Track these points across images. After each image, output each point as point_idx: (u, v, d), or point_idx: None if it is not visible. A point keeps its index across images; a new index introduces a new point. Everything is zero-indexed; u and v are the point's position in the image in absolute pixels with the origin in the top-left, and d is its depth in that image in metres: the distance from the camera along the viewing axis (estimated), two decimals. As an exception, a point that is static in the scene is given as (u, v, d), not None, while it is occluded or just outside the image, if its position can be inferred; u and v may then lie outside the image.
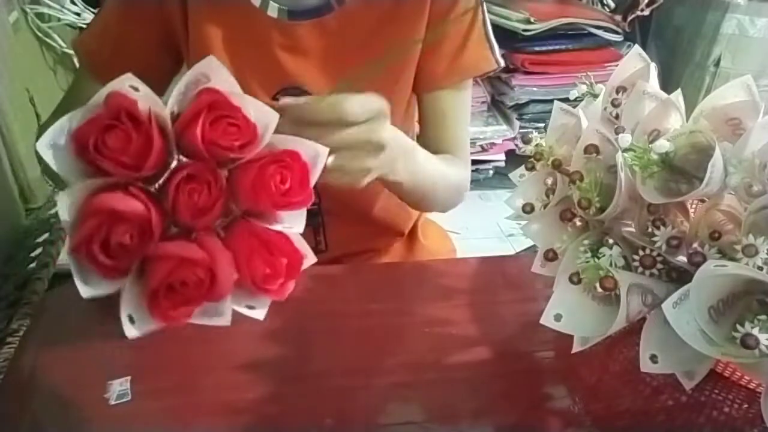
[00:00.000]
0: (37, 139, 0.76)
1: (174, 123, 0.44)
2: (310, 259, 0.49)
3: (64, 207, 0.42)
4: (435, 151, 0.82)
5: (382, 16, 0.75)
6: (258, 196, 0.43)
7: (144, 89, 0.43)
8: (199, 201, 0.43)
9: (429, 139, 0.85)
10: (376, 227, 0.92)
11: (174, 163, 0.44)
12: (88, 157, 0.41)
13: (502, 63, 0.84)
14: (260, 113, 0.44)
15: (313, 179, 0.47)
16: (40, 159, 0.49)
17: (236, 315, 0.49)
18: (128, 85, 0.42)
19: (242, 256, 0.44)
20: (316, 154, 0.48)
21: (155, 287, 0.42)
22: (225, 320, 0.46)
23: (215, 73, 0.44)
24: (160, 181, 0.44)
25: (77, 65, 1.25)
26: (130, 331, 0.44)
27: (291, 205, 0.45)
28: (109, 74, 0.75)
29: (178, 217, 0.43)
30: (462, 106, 0.86)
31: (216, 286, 0.43)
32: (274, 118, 0.45)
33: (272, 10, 0.73)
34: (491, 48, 0.82)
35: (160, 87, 0.79)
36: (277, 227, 0.46)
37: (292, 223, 0.47)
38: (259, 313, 0.48)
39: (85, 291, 0.42)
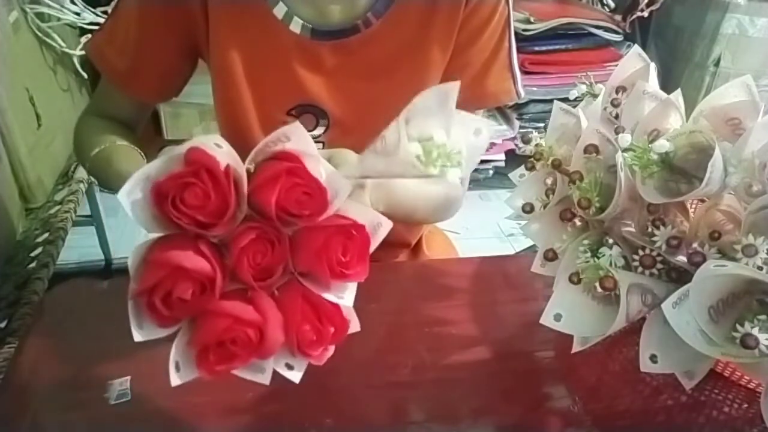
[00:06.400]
0: (76, 140, 0.77)
1: (249, 180, 0.44)
2: (354, 326, 0.50)
3: (136, 258, 0.43)
4: None
5: (407, 42, 0.73)
6: (319, 264, 0.44)
7: (226, 147, 0.43)
8: (263, 262, 0.44)
9: None
10: (383, 238, 0.90)
11: (241, 216, 0.45)
12: (166, 211, 0.42)
13: (523, 94, 0.81)
14: (332, 179, 0.44)
15: (371, 249, 0.47)
16: None
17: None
18: (213, 143, 0.42)
19: (293, 320, 0.45)
20: (378, 225, 0.48)
21: (207, 343, 0.43)
22: (265, 378, 0.47)
23: (296, 135, 0.44)
24: (226, 235, 0.44)
25: (77, 67, 1.26)
26: (175, 379, 0.44)
27: (347, 277, 0.46)
28: (130, 84, 0.75)
29: (239, 276, 0.44)
30: None
31: (264, 347, 0.44)
32: (345, 186, 0.44)
33: (295, 26, 0.71)
34: (514, 79, 0.79)
35: (176, 90, 0.79)
36: (328, 295, 0.46)
37: (343, 293, 0.47)
38: (296, 375, 0.48)
39: (138, 335, 0.43)
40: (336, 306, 0.47)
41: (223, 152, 0.42)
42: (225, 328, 0.43)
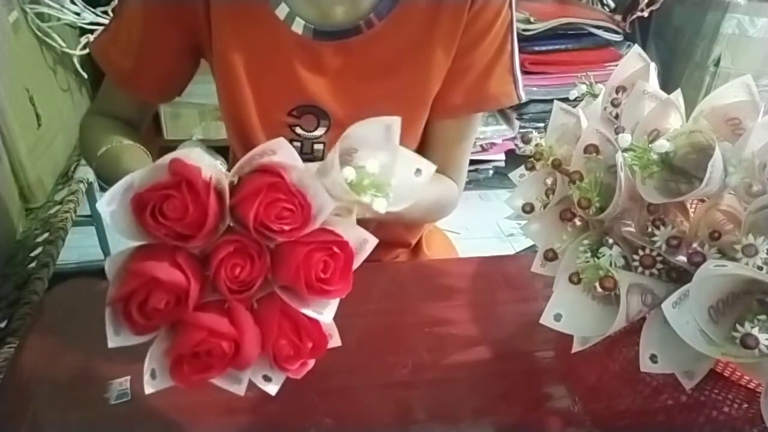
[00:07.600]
0: (82, 140, 0.77)
1: (232, 192, 0.44)
2: (335, 341, 0.49)
3: (115, 265, 0.44)
4: None
5: (409, 43, 0.73)
6: (298, 279, 0.44)
7: (209, 159, 0.43)
8: (240, 275, 0.43)
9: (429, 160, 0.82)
10: (383, 238, 0.90)
11: (224, 227, 0.45)
12: (144, 222, 0.42)
13: (524, 97, 0.80)
14: (317, 194, 0.44)
15: (355, 266, 0.47)
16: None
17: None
18: (195, 154, 0.42)
19: (270, 334, 0.45)
20: (364, 241, 0.47)
21: (181, 353, 0.44)
22: (240, 389, 0.47)
23: (282, 149, 0.44)
24: (207, 246, 0.44)
25: (77, 67, 1.25)
26: (149, 387, 0.44)
27: (327, 294, 0.45)
28: (133, 84, 0.76)
29: (216, 287, 0.44)
30: (470, 132, 0.83)
31: (239, 360, 0.44)
32: (329, 203, 0.44)
33: (297, 26, 0.71)
34: (515, 82, 0.78)
35: (179, 90, 0.79)
36: (307, 311, 0.46)
37: (323, 309, 0.47)
38: (273, 388, 0.48)
39: (113, 341, 0.44)
40: (315, 321, 0.46)
41: (205, 164, 0.42)
42: (200, 340, 0.43)
